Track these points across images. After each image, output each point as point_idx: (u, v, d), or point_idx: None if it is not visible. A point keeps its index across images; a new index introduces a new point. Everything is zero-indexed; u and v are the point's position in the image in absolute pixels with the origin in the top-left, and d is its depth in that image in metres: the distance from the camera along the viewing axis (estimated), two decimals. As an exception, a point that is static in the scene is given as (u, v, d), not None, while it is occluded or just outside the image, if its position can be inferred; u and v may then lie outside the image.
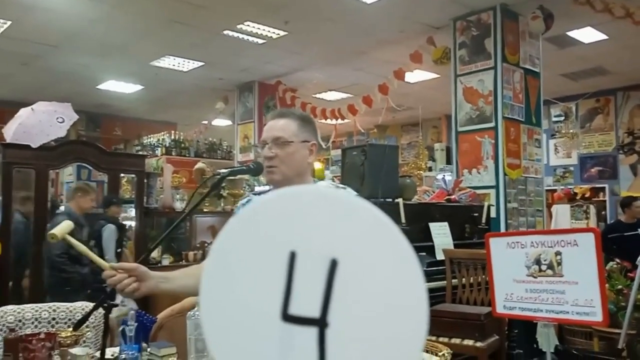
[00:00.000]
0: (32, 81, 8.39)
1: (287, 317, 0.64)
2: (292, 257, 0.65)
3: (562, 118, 9.54)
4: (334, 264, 0.64)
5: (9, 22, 6.12)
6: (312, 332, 0.63)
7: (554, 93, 8.55)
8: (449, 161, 7.74)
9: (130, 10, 5.82)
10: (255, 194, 1.85)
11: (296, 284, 0.64)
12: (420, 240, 3.78)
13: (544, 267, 1.70)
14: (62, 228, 1.63)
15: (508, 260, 1.74)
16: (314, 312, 0.63)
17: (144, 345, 1.99)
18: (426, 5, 5.70)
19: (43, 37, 6.60)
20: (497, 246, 1.77)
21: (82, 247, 1.58)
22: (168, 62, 7.68)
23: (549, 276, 1.69)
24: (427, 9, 5.80)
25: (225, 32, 6.47)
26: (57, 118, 4.01)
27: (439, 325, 2.93)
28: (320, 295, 0.63)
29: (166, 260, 4.91)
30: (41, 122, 3.96)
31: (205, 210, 5.20)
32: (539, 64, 6.01)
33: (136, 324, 1.94)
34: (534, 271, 1.70)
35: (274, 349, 0.64)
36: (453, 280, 3.43)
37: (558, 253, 1.69)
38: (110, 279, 1.44)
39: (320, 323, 0.63)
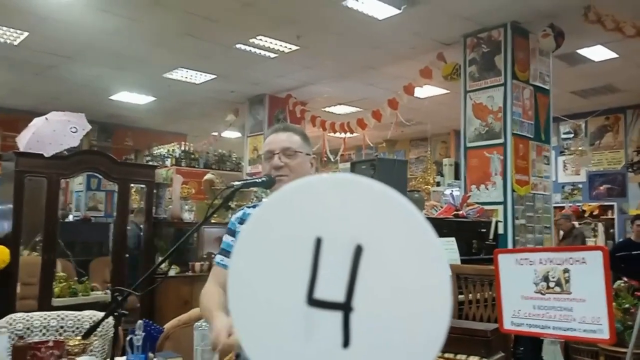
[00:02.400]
0: (46, 91, 8.51)
1: (313, 302, 0.65)
2: (318, 243, 0.66)
3: (572, 135, 9.52)
4: (358, 250, 0.64)
5: (25, 34, 6.23)
6: (337, 316, 0.65)
7: (563, 110, 8.55)
8: (457, 176, 7.75)
9: (145, 23, 5.91)
10: (250, 207, 1.86)
11: (322, 270, 0.66)
12: (428, 255, 3.77)
13: (552, 284, 1.70)
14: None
15: (516, 277, 1.74)
16: (339, 297, 0.65)
17: (151, 355, 2.00)
18: (437, 22, 5.74)
19: (58, 48, 6.71)
20: (506, 262, 1.77)
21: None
22: (181, 75, 7.77)
23: (556, 293, 1.69)
24: (438, 26, 5.84)
25: (238, 45, 6.54)
26: (71, 128, 4.06)
27: (445, 341, 2.92)
28: (345, 280, 0.64)
29: (173, 271, 4.92)
30: (55, 132, 4.01)
31: (212, 221, 5.22)
32: (549, 81, 6.02)
33: (143, 333, 1.95)
34: (542, 288, 1.70)
35: (300, 332, 0.66)
36: (459, 296, 3.41)
37: (566, 270, 1.69)
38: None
39: (345, 307, 0.64)
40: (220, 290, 1.64)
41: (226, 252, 1.74)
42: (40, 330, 2.25)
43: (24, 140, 4.06)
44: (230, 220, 1.83)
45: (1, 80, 7.30)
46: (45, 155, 3.96)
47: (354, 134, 8.05)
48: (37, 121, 4.18)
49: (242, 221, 1.77)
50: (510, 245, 5.19)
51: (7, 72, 7.47)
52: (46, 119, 4.16)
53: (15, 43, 6.50)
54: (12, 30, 6.15)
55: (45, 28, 6.04)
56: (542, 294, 1.69)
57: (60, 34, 6.21)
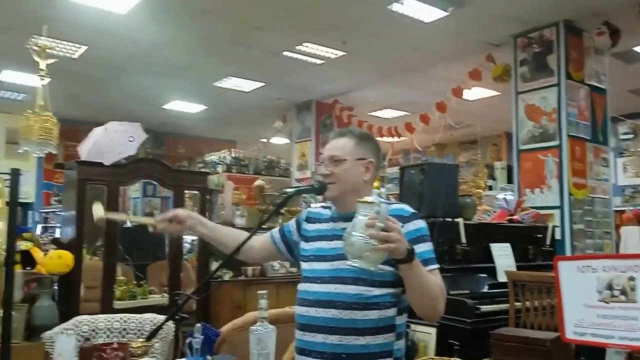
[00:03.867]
0: (103, 102, 8.88)
1: None
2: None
3: (631, 136, 9.12)
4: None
5: (84, 47, 6.53)
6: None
7: (621, 110, 8.20)
8: (510, 180, 7.55)
9: (195, 33, 6.09)
10: (313, 207, 1.95)
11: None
12: (481, 261, 3.70)
13: (616, 293, 1.63)
14: (97, 211, 1.78)
15: (578, 285, 1.68)
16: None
17: (209, 357, 2.05)
18: (485, 23, 5.64)
19: (113, 59, 7.00)
20: (567, 270, 1.71)
21: (122, 216, 1.82)
22: (230, 83, 7.94)
23: (621, 302, 1.62)
24: (486, 27, 5.74)
25: (285, 53, 6.63)
26: (128, 137, 4.22)
27: (502, 349, 2.84)
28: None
29: (227, 276, 5.02)
30: (113, 141, 4.18)
31: (264, 227, 5.29)
32: (605, 80, 5.80)
33: (202, 336, 2.01)
34: (606, 296, 1.64)
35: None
36: (516, 304, 3.33)
37: (631, 278, 1.62)
38: (157, 230, 1.79)
39: None
40: (241, 237, 1.85)
41: (282, 231, 1.93)
42: (105, 332, 2.35)
43: (85, 150, 4.25)
44: (302, 214, 1.92)
45: (62, 93, 7.64)
46: (105, 163, 4.13)
47: (402, 138, 7.99)
48: (96, 131, 4.37)
49: (308, 219, 1.86)
50: (568, 251, 5.01)
51: (68, 85, 7.83)
52: (105, 128, 4.34)
53: (75, 56, 6.82)
54: (71, 44, 6.45)
55: (102, 41, 6.31)
56: (606, 302, 1.63)
57: (115, 46, 6.47)
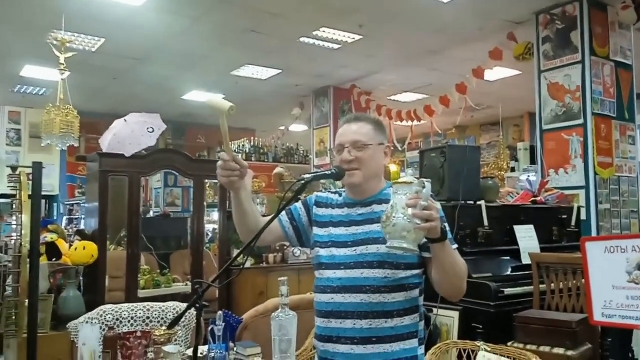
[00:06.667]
0: (123, 94, 8.96)
1: None
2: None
3: (659, 112, 8.85)
4: None
5: (102, 40, 6.57)
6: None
7: (649, 86, 7.96)
8: (533, 161, 7.42)
9: (210, 22, 6.07)
10: (321, 192, 1.89)
11: None
12: (505, 244, 3.64)
13: (646, 273, 1.59)
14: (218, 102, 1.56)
15: (606, 266, 1.63)
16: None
17: (231, 344, 2.06)
18: (506, 1, 5.50)
19: (132, 51, 7.03)
20: (594, 251, 1.67)
21: (225, 129, 1.57)
22: (247, 71, 7.92)
23: (652, 283, 1.57)
24: (507, 5, 5.60)
25: (302, 39, 6.58)
26: (148, 128, 4.24)
27: (527, 332, 2.80)
28: None
29: (248, 263, 5.05)
30: (134, 133, 4.21)
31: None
32: (631, 56, 5.63)
33: (224, 324, 2.02)
34: (636, 277, 1.59)
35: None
36: (541, 286, 3.27)
37: (662, 258, 1.57)
38: (226, 165, 1.63)
39: None
40: (260, 223, 1.72)
41: (290, 213, 1.83)
42: (129, 321, 2.37)
43: (106, 142, 4.29)
44: (309, 197, 1.86)
45: (82, 86, 7.74)
46: (126, 155, 4.17)
47: (422, 122, 7.89)
48: (117, 123, 4.40)
49: (317, 203, 1.81)
50: (594, 232, 4.91)
51: (88, 78, 7.91)
52: (125, 120, 4.38)
53: (94, 50, 6.88)
54: (90, 37, 6.50)
55: (120, 34, 6.34)
56: (635, 283, 1.59)
57: (133, 38, 6.50)
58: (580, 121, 5.23)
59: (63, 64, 5.24)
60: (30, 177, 2.80)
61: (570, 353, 2.67)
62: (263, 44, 6.76)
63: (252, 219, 1.76)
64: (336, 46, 6.83)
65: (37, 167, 2.76)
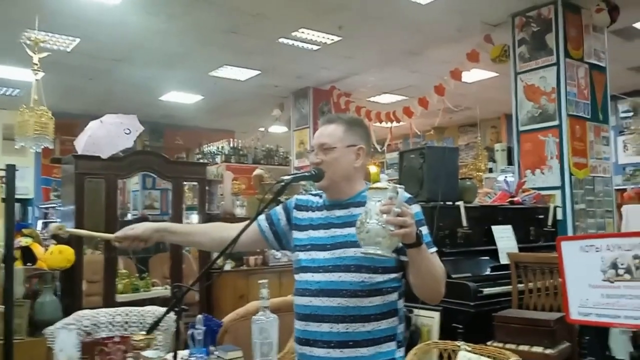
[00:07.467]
0: (99, 94, 8.82)
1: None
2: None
3: (631, 114, 9.07)
4: None
5: (77, 39, 6.46)
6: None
7: (621, 88, 8.13)
8: (510, 162, 7.53)
9: (188, 22, 6.02)
10: (300, 195, 1.88)
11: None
12: (483, 244, 3.69)
13: (621, 272, 1.62)
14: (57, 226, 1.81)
15: (582, 265, 1.66)
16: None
17: (212, 348, 2.04)
18: (482, 3, 5.57)
19: (108, 51, 6.93)
20: (570, 250, 1.69)
21: (83, 232, 1.82)
22: (226, 72, 7.87)
23: (627, 281, 1.60)
24: (484, 6, 5.67)
25: (281, 39, 6.56)
26: (124, 129, 4.19)
27: (506, 331, 2.84)
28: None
29: (228, 266, 5.02)
30: (109, 134, 4.15)
31: (264, 215, 5.27)
32: (605, 58, 5.74)
33: (204, 327, 2.00)
34: (611, 276, 1.62)
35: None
36: (519, 285, 3.32)
37: (636, 257, 1.60)
38: (123, 244, 1.80)
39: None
40: (228, 232, 1.78)
41: (269, 217, 1.83)
42: (107, 326, 2.34)
43: (82, 143, 4.22)
44: (289, 200, 1.85)
45: (56, 86, 7.59)
46: (102, 157, 4.11)
47: (401, 123, 7.93)
48: (92, 124, 4.34)
49: (297, 207, 1.81)
50: (570, 232, 4.99)
51: (63, 78, 7.77)
52: (101, 121, 4.31)
53: (69, 49, 6.76)
54: (64, 37, 6.38)
55: (95, 33, 6.24)
56: (610, 282, 1.62)
57: (109, 38, 6.40)
58: (556, 122, 5.32)
59: (37, 64, 5.13)
60: (4, 180, 2.74)
61: (548, 351, 2.71)
62: (242, 45, 6.73)
63: (206, 241, 1.86)
64: (315, 47, 6.83)
65: (11, 170, 2.70)
